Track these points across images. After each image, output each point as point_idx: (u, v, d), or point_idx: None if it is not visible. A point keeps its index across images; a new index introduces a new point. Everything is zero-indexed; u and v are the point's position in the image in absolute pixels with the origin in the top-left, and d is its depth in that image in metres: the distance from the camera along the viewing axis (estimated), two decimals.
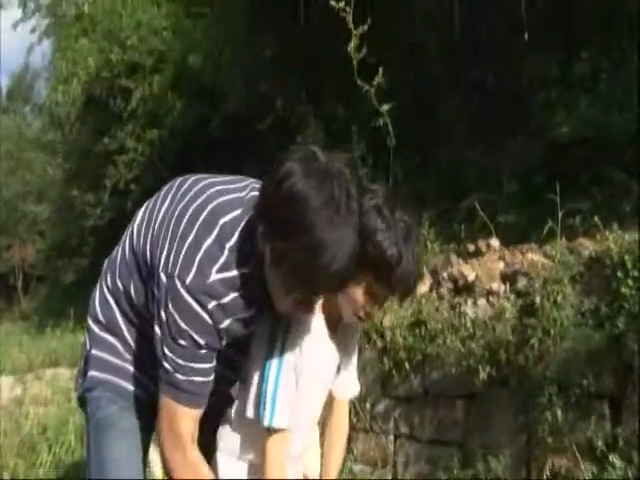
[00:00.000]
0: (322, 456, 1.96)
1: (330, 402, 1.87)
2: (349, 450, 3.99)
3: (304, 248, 1.46)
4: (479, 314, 3.78)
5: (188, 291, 1.59)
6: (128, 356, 1.84)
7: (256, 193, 1.64)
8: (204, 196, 1.68)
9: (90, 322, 1.88)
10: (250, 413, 1.72)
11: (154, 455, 1.91)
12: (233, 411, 1.80)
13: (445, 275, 4.25)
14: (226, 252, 1.62)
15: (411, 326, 3.98)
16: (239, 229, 1.64)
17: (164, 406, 1.68)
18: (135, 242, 1.78)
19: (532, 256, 3.88)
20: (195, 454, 1.69)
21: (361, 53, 3.88)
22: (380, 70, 3.86)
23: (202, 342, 1.63)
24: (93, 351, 1.85)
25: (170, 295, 1.60)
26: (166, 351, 1.64)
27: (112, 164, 9.15)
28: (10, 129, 19.00)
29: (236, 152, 7.62)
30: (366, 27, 3.96)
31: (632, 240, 3.26)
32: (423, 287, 4.34)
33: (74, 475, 4.40)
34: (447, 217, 5.80)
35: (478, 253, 4.30)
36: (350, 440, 4.01)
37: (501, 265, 4.03)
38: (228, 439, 1.80)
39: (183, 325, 1.61)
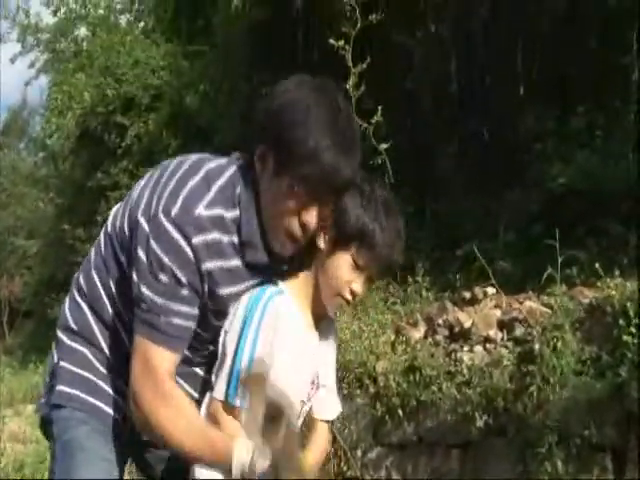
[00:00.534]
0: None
1: (310, 422, 1.75)
2: None
3: (303, 141, 1.47)
4: (475, 361, 3.74)
5: (173, 223, 1.50)
6: (102, 370, 1.67)
7: (241, 161, 1.64)
8: (183, 157, 1.65)
9: (59, 332, 1.71)
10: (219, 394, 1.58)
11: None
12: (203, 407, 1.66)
13: (441, 321, 4.22)
14: (214, 190, 1.55)
15: (405, 372, 3.92)
16: (227, 173, 1.59)
17: (137, 347, 1.53)
18: (110, 227, 1.68)
19: (530, 304, 3.86)
20: (171, 385, 1.52)
21: (359, 91, 3.87)
22: (379, 109, 3.86)
23: (184, 279, 1.51)
24: (62, 363, 1.68)
25: (153, 234, 1.51)
26: (144, 290, 1.52)
27: (104, 200, 9.12)
28: (4, 164, 19.04)
29: None
30: (365, 65, 3.97)
31: (634, 289, 3.24)
32: (417, 333, 4.30)
33: None
34: (442, 266, 5.80)
35: (474, 301, 4.28)
36: None
37: (498, 312, 4.01)
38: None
39: (165, 259, 1.50)
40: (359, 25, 4.11)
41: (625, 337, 3.10)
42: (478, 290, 4.27)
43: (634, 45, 5.74)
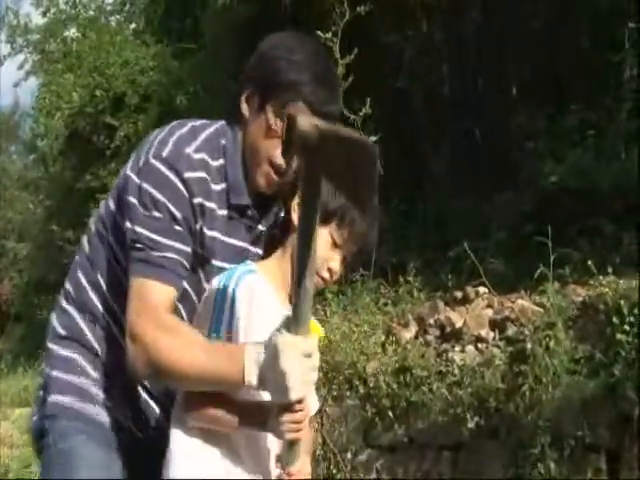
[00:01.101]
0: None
1: None
2: None
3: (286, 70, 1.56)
4: (467, 361, 3.72)
5: (165, 162, 1.53)
6: (96, 374, 1.62)
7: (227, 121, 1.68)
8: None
9: (48, 344, 1.67)
10: None
11: None
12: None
13: (432, 321, 4.19)
14: (200, 139, 1.58)
15: (395, 372, 3.90)
16: (213, 126, 1.63)
17: (132, 286, 1.50)
18: (94, 223, 1.66)
19: (522, 303, 3.82)
20: (169, 316, 1.48)
21: (347, 82, 3.81)
22: (367, 101, 3.80)
23: (178, 215, 1.52)
24: (54, 372, 1.63)
25: (144, 177, 1.53)
26: (138, 229, 1.51)
27: (93, 202, 9.03)
28: None
29: None
30: (352, 57, 3.93)
31: (628, 287, 3.19)
32: (408, 334, 4.27)
33: None
34: (434, 266, 5.76)
35: (466, 300, 4.24)
36: None
37: (490, 312, 3.99)
38: (176, 408, 1.57)
39: (159, 196, 1.51)
40: (347, 17, 4.05)
41: (619, 335, 3.08)
42: (470, 290, 4.24)
43: (626, 43, 5.72)
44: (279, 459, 1.47)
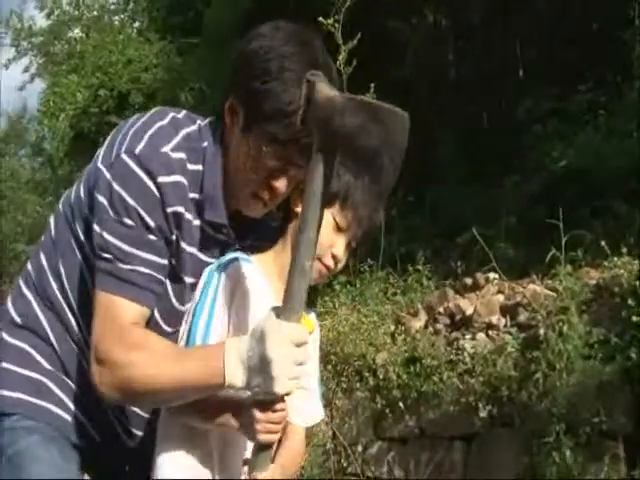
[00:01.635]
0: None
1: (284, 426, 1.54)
2: None
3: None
4: (478, 349, 3.65)
5: (137, 161, 1.35)
6: (48, 366, 1.50)
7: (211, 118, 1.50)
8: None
9: (1, 331, 1.53)
10: None
11: None
12: None
13: (441, 310, 4.13)
14: (181, 135, 1.40)
15: (405, 363, 3.86)
16: (196, 123, 1.44)
17: (98, 302, 1.35)
18: (62, 205, 1.53)
19: (534, 287, 3.73)
20: (139, 332, 1.34)
21: (350, 67, 3.75)
22: (372, 86, 3.72)
23: (152, 223, 1.35)
24: (3, 364, 1.50)
25: (115, 176, 1.36)
26: (107, 237, 1.35)
27: None
28: (4, 171, 19.10)
29: None
30: (355, 42, 3.86)
31: None
32: (418, 323, 4.21)
33: None
34: (443, 253, 5.69)
35: (476, 287, 4.17)
36: None
37: (501, 298, 3.92)
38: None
39: (131, 201, 1.34)
40: (348, 3, 3.98)
41: (635, 318, 2.99)
42: (480, 276, 4.18)
43: (635, 20, 5.60)
44: (247, 462, 1.34)
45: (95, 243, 1.38)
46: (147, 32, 11.08)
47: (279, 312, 1.24)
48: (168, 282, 1.43)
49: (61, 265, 1.49)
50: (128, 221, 1.35)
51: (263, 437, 1.27)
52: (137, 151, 1.36)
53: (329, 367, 4.11)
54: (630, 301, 3.03)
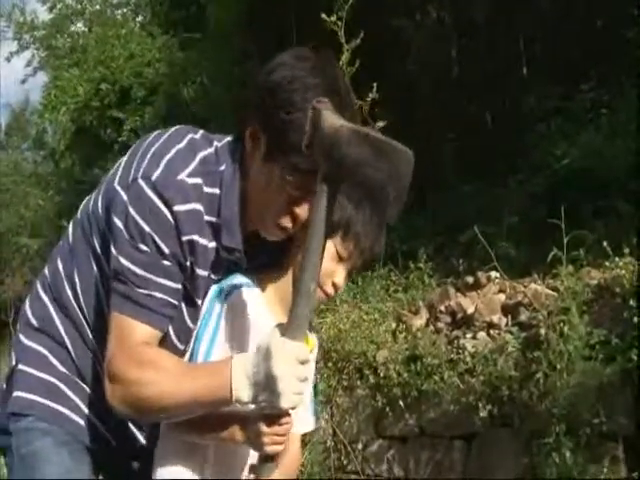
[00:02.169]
0: None
1: None
2: None
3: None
4: (479, 348, 3.65)
5: (154, 187, 1.37)
6: (64, 371, 1.53)
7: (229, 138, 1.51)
8: (162, 130, 1.53)
9: (19, 333, 1.58)
10: None
11: None
12: None
13: (442, 308, 4.12)
14: (198, 159, 1.42)
15: (406, 361, 3.85)
16: (213, 145, 1.46)
17: (113, 324, 1.39)
18: (80, 213, 1.55)
19: (535, 287, 3.73)
20: (151, 352, 1.38)
21: (353, 68, 3.73)
22: (374, 86, 3.70)
23: (166, 250, 1.38)
24: (20, 366, 1.54)
25: (131, 200, 1.38)
26: (123, 261, 1.39)
27: None
28: (7, 164, 19.07)
29: None
30: (358, 41, 3.83)
31: None
32: (419, 321, 4.21)
33: None
34: (445, 252, 5.68)
35: (477, 286, 4.17)
36: None
37: (502, 297, 3.92)
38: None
39: (146, 227, 1.37)
40: (351, 0, 3.95)
41: (636, 319, 2.99)
42: (481, 275, 4.17)
43: (639, 19, 5.58)
44: (253, 470, 1.38)
45: (112, 265, 1.42)
46: (150, 26, 11.06)
47: (283, 330, 1.28)
48: (183, 305, 1.47)
49: (76, 275, 1.53)
50: (143, 247, 1.38)
51: (270, 449, 1.33)
52: (154, 177, 1.38)
53: (330, 364, 4.10)
54: (632, 302, 3.03)
